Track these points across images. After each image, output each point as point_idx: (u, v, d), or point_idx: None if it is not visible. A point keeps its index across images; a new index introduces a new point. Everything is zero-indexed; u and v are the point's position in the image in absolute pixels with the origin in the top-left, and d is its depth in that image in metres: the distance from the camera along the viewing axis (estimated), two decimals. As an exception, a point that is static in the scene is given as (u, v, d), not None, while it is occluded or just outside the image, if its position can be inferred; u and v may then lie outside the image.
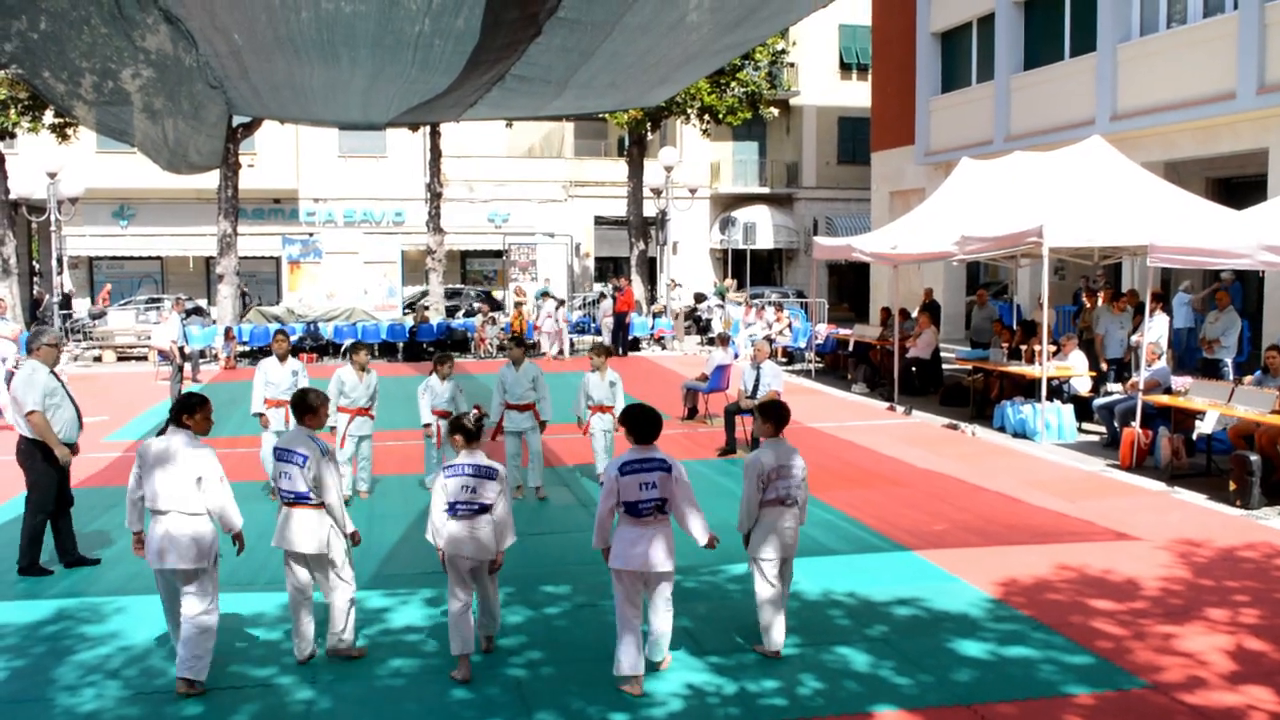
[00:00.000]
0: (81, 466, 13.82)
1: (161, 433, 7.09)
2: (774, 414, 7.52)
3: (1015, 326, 20.24)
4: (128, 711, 6.58)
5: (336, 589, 7.27)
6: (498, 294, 35.32)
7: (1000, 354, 18.25)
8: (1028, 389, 16.76)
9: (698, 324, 35.56)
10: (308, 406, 7.43)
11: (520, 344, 12.85)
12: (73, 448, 9.56)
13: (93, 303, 38.01)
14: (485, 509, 6.99)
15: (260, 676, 7.04)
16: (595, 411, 12.61)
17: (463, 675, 6.92)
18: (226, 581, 8.78)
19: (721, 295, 35.63)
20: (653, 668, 6.94)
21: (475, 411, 7.41)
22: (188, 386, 21.42)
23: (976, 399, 18.19)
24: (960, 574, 9.10)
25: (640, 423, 6.92)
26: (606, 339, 30.22)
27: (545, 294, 31.34)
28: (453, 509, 6.97)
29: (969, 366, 19.27)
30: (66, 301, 37.64)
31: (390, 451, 14.60)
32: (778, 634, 7.30)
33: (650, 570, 6.73)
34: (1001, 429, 16.35)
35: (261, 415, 12.30)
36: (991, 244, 16.20)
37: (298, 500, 7.11)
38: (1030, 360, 17.09)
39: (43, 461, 9.32)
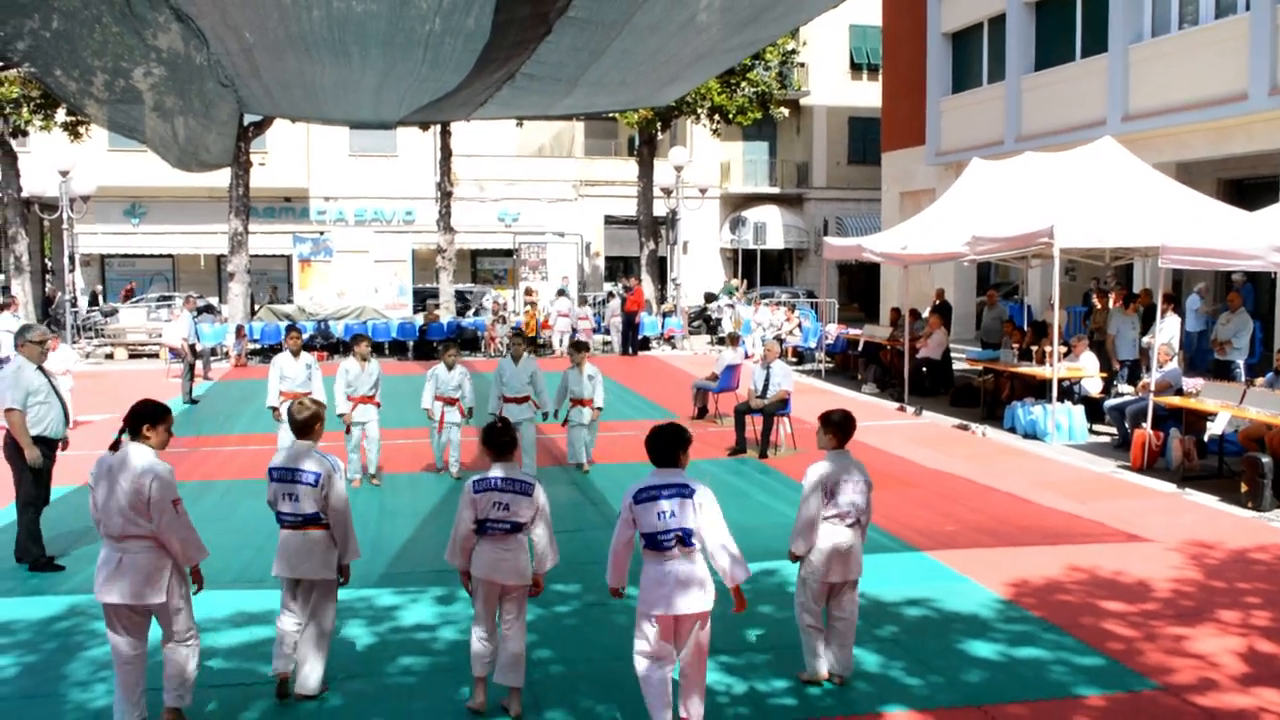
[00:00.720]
0: (90, 464, 13.83)
1: (116, 445, 6.16)
2: (835, 424, 6.93)
3: (1026, 327, 20.19)
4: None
5: (319, 620, 6.63)
6: (506, 293, 35.31)
7: (1011, 355, 18.21)
8: (1038, 390, 16.72)
9: (707, 323, 35.55)
10: (303, 421, 6.66)
11: (521, 339, 13.65)
12: (62, 443, 9.62)
13: (101, 300, 38.11)
14: (519, 527, 6.30)
15: (271, 672, 7.04)
16: (575, 405, 13.67)
17: (478, 703, 6.41)
18: (239, 578, 8.83)
19: (729, 294, 35.63)
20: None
21: (499, 423, 6.65)
22: (199, 384, 21.48)
23: (987, 400, 18.15)
24: (971, 575, 9.08)
25: (656, 443, 6.07)
26: (615, 339, 30.25)
27: (561, 292, 31.41)
28: (482, 527, 6.28)
29: (979, 367, 19.24)
30: (94, 299, 37.86)
31: (400, 449, 14.63)
32: (822, 664, 6.76)
33: (678, 613, 5.85)
34: (1012, 430, 16.31)
35: (275, 409, 12.82)
36: (1002, 244, 16.16)
37: (305, 523, 6.46)
38: (1041, 361, 17.05)
39: (40, 458, 9.35)
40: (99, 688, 6.84)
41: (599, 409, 13.75)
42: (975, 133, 28.45)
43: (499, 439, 6.47)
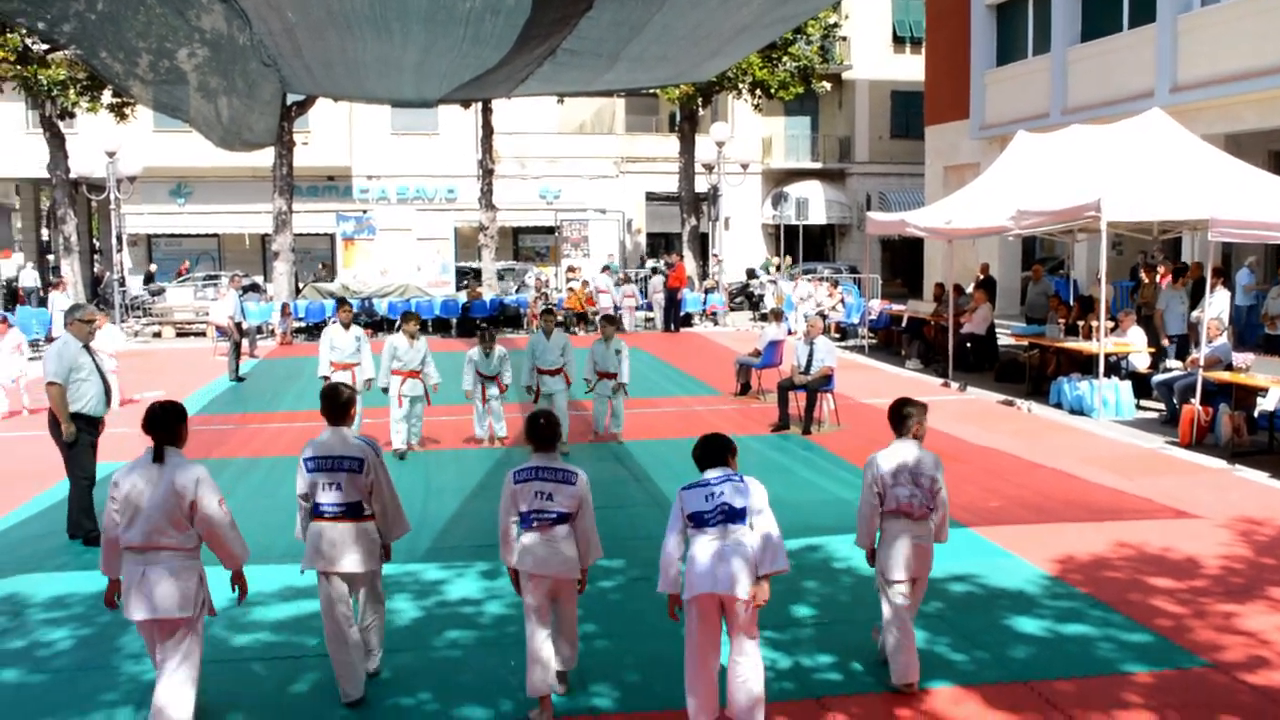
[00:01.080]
0: (139, 441, 14.06)
1: (160, 457, 5.75)
2: (889, 414, 6.66)
3: (1072, 302, 19.98)
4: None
5: (377, 607, 6.59)
6: (548, 270, 35.36)
7: (1057, 330, 18.04)
8: (1084, 365, 16.56)
9: (749, 300, 35.44)
10: (344, 404, 6.44)
11: (551, 316, 14.24)
12: (101, 422, 9.74)
13: (148, 279, 38.54)
14: (563, 518, 6.10)
15: (317, 646, 7.12)
16: (601, 377, 14.09)
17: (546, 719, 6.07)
18: (286, 553, 8.91)
19: (767, 271, 35.52)
20: None
21: (543, 418, 6.33)
22: (245, 362, 21.70)
23: (1032, 375, 18.00)
24: (1017, 551, 9.02)
25: (704, 451, 5.97)
26: (658, 315, 30.26)
27: (606, 269, 31.47)
28: (525, 520, 6.10)
29: (1025, 342, 19.06)
30: (149, 278, 38.34)
31: (444, 426, 14.72)
32: (906, 665, 6.37)
33: (721, 592, 5.66)
34: (1058, 405, 16.17)
35: (327, 379, 13.05)
36: (1048, 218, 15.99)
37: (347, 513, 6.20)
38: (1088, 336, 16.88)
39: (75, 433, 9.48)
40: (149, 660, 6.94)
41: (624, 384, 14.05)
42: (1020, 105, 28.11)
43: (542, 431, 6.25)
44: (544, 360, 13.43)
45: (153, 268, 40.12)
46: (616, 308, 29.59)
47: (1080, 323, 17.94)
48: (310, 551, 6.25)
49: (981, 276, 23.49)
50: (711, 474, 5.84)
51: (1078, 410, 15.65)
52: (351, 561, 6.21)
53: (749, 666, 5.73)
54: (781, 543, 5.72)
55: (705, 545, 5.70)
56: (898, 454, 6.47)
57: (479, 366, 13.63)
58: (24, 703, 6.35)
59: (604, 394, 14.15)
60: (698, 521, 5.72)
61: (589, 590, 8.05)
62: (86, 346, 9.63)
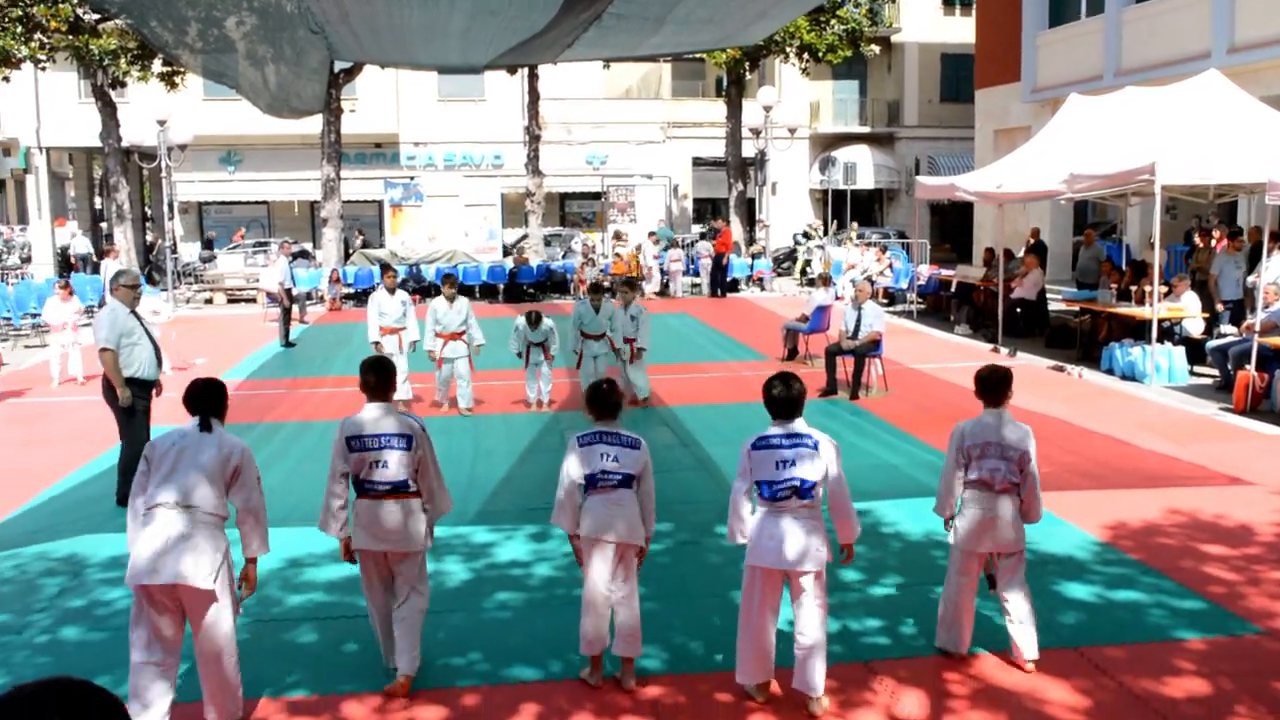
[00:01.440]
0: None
1: (207, 426, 5.63)
2: (980, 381, 6.38)
3: (1124, 267, 19.72)
4: (242, 638, 6.80)
5: (417, 599, 6.14)
6: (595, 236, 35.34)
7: (1109, 295, 17.82)
8: (1137, 331, 16.36)
9: (798, 265, 35.29)
10: (386, 375, 6.17)
11: (598, 292, 14.39)
12: (154, 385, 9.86)
13: (208, 244, 38.95)
14: (630, 480, 5.97)
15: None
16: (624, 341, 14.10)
17: (595, 681, 6.05)
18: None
19: (807, 237, 35.31)
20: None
21: (605, 384, 6.23)
22: (295, 328, 21.91)
23: (1083, 341, 17.81)
24: (1067, 517, 8.96)
25: (773, 396, 5.79)
26: (705, 280, 30.20)
27: (653, 234, 31.46)
28: (591, 481, 5.95)
29: (1076, 308, 18.85)
30: (209, 243, 38.77)
31: (493, 390, 14.82)
32: (956, 638, 6.31)
33: (785, 568, 5.65)
34: (1110, 371, 16.00)
35: (377, 343, 13.56)
36: (1101, 182, 15.77)
37: (394, 490, 5.94)
38: (1140, 301, 16.66)
39: (130, 397, 9.60)
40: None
41: (642, 349, 14.02)
42: (1073, 68, 27.67)
43: (605, 399, 6.12)
44: (591, 327, 13.86)
45: (212, 234, 40.51)
46: (664, 273, 29.60)
47: (1133, 288, 17.71)
48: (355, 530, 6.01)
49: (1032, 241, 23.23)
50: (779, 430, 5.71)
51: (1130, 376, 15.48)
52: (399, 539, 5.98)
53: (813, 626, 5.66)
54: (853, 509, 5.74)
55: (772, 517, 5.65)
56: (989, 425, 6.23)
57: (527, 335, 13.95)
58: (84, 660, 6.49)
59: (622, 359, 14.13)
60: (766, 493, 5.64)
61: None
62: (133, 311, 9.75)
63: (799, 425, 5.74)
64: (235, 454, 5.57)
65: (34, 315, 23.16)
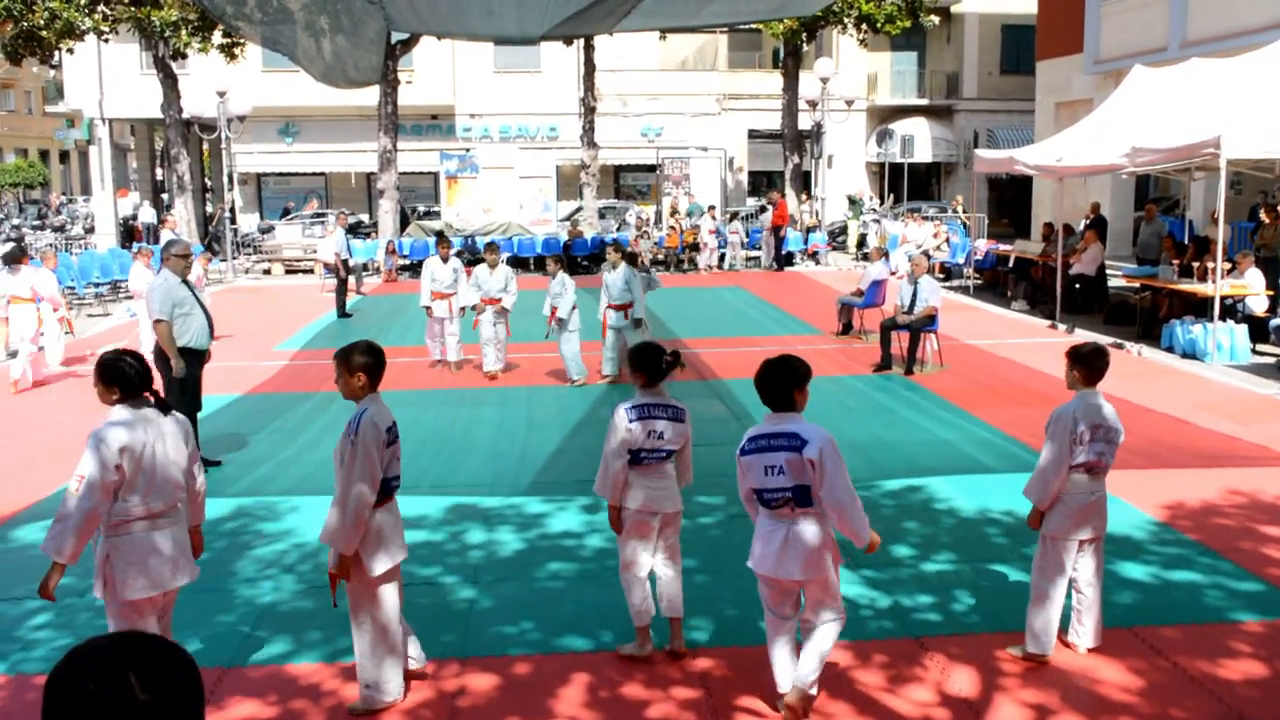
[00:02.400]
0: (251, 375, 14.55)
1: (165, 407, 5.34)
2: (1081, 359, 6.04)
3: (1187, 243, 19.38)
4: (302, 604, 6.93)
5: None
6: (649, 208, 35.26)
7: (1170, 271, 17.52)
8: (1198, 308, 16.09)
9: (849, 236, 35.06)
10: (666, 362, 6.00)
11: (618, 247, 14.80)
12: (205, 354, 9.96)
13: (284, 212, 39.35)
14: (672, 454, 5.95)
15: (425, 575, 7.31)
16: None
17: (646, 651, 6.03)
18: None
19: (854, 203, 35.03)
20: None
21: (669, 358, 6.01)
22: (352, 298, 22.11)
23: (1143, 318, 17.56)
24: (1123, 496, 8.83)
25: (764, 381, 5.34)
26: (764, 254, 30.09)
27: (711, 208, 31.40)
28: (636, 457, 5.85)
29: (1136, 284, 18.57)
30: (285, 211, 39.19)
31: (543, 362, 14.89)
32: (1047, 640, 5.95)
33: (781, 577, 5.26)
34: (1170, 349, 15.76)
35: (428, 308, 14.97)
36: (1164, 156, 15.49)
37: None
38: (1202, 278, 16.38)
39: (184, 368, 9.71)
40: (265, 584, 7.23)
41: (640, 319, 13.86)
42: (1137, 39, 27.14)
43: (654, 362, 5.95)
44: (614, 295, 13.86)
45: (289, 204, 40.88)
46: (722, 244, 29.59)
47: (1195, 264, 17.41)
48: (384, 545, 5.53)
49: (1092, 216, 22.90)
50: (775, 428, 5.22)
51: (1190, 354, 15.24)
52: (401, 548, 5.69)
53: (823, 633, 5.30)
54: (858, 510, 5.16)
55: (771, 525, 5.26)
56: (1095, 406, 5.95)
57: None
58: (146, 622, 6.61)
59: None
60: (762, 499, 5.26)
61: (689, 526, 8.11)
62: (185, 280, 9.85)
63: (791, 421, 5.22)
64: (190, 436, 5.44)
65: (96, 285, 23.56)
